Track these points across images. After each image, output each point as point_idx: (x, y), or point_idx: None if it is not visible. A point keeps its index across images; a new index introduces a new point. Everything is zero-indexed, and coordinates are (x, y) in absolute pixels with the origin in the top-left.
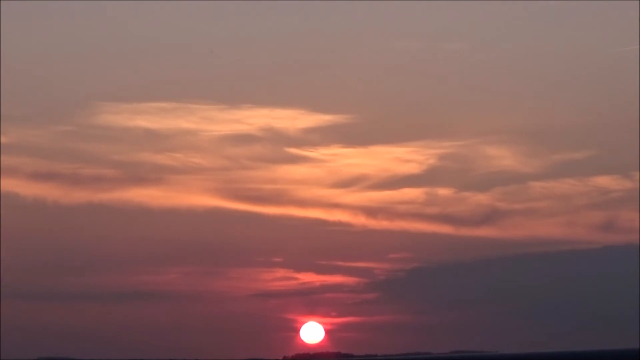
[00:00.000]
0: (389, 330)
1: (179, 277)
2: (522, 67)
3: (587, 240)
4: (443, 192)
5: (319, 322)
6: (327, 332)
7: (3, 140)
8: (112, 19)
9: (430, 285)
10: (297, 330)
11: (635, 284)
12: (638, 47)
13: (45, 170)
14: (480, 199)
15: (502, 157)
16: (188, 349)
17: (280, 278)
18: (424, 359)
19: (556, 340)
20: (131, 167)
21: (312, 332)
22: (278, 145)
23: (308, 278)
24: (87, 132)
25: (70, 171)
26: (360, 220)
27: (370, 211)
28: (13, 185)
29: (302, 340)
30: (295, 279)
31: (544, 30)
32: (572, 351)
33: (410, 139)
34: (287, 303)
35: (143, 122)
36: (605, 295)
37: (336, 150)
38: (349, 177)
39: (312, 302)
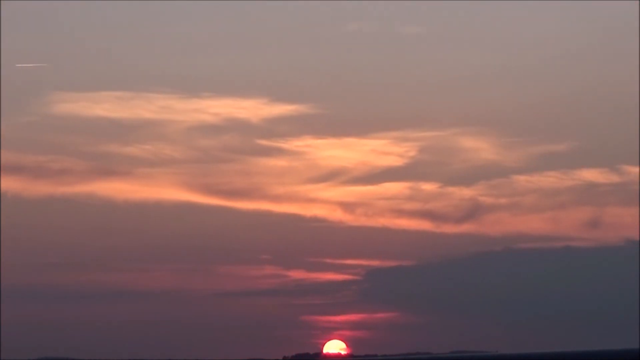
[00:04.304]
0: (384, 329)
1: (165, 275)
2: (495, 55)
3: (575, 237)
4: (426, 186)
5: (316, 321)
6: (325, 330)
7: None
8: (63, 7)
9: (421, 283)
10: (296, 329)
11: (627, 282)
12: (637, 45)
13: (6, 162)
14: (465, 193)
15: (480, 149)
16: (186, 350)
17: (270, 276)
18: (424, 359)
19: (545, 339)
20: (97, 158)
21: (334, 349)
22: (247, 137)
23: (299, 275)
24: (46, 123)
25: (33, 164)
26: (344, 216)
27: (351, 207)
28: None
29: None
30: (286, 276)
31: (517, 13)
32: (562, 351)
33: (382, 130)
34: (281, 301)
35: (102, 111)
36: (595, 293)
37: (308, 141)
38: (327, 170)
39: (306, 300)
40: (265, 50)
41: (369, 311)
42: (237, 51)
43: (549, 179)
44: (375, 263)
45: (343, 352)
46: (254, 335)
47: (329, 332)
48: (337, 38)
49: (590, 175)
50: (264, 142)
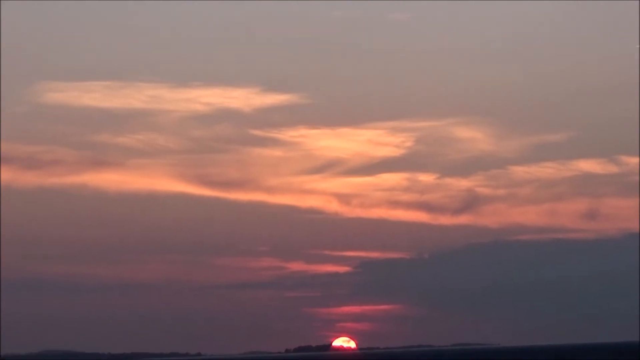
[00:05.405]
0: (385, 321)
1: (161, 267)
2: (491, 45)
3: (572, 228)
4: (423, 177)
5: (317, 313)
6: (326, 322)
7: None
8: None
9: (419, 275)
10: (298, 321)
11: (625, 273)
12: (636, 36)
13: None
14: (462, 184)
15: (476, 139)
16: (188, 342)
17: (269, 267)
18: (424, 352)
19: (542, 330)
20: (88, 149)
21: (340, 343)
22: (240, 127)
23: (298, 267)
24: (36, 113)
25: (23, 154)
26: (340, 208)
27: (347, 198)
28: None
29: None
30: (285, 268)
31: (515, 4)
32: (561, 344)
33: (377, 120)
34: (281, 293)
35: (91, 101)
36: (593, 284)
37: (303, 131)
38: (322, 161)
39: (306, 292)
40: (255, 38)
41: (369, 303)
42: (226, 40)
43: (546, 170)
44: (373, 255)
45: (345, 345)
46: (256, 328)
47: (331, 325)
48: (327, 26)
49: (588, 165)
50: (258, 133)
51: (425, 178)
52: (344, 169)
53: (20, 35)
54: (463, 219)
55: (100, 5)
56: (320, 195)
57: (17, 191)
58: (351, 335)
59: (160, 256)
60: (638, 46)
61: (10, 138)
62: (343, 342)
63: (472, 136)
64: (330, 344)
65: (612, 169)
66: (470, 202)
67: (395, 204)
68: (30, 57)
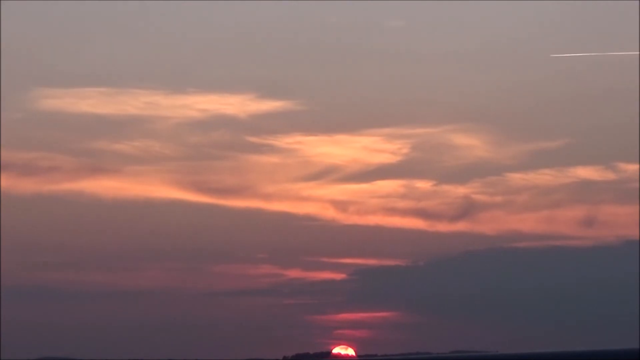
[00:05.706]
0: (382, 328)
1: (159, 274)
2: (488, 51)
3: (570, 235)
4: (420, 184)
5: (315, 320)
6: (325, 330)
7: None
8: (47, 4)
9: (416, 283)
10: (296, 329)
11: (623, 281)
12: (636, 42)
13: None
14: (459, 191)
15: (473, 146)
16: (185, 349)
17: (267, 275)
18: (424, 359)
19: (539, 337)
20: (85, 155)
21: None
22: (236, 134)
23: (296, 274)
24: (32, 119)
25: (20, 161)
26: (337, 215)
27: (343, 205)
28: None
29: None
30: (283, 275)
31: (511, 11)
32: (560, 351)
33: (373, 126)
34: (279, 300)
35: (87, 107)
36: (591, 292)
37: (299, 138)
38: (318, 168)
39: (304, 299)
40: (250, 44)
41: (366, 310)
42: (221, 46)
43: (544, 177)
44: (369, 262)
45: (343, 352)
46: (255, 335)
47: (328, 332)
48: (323, 32)
49: (586, 172)
50: (254, 139)
51: (422, 185)
52: (340, 175)
53: (16, 42)
54: (460, 226)
55: (96, 11)
56: (317, 202)
57: (15, 198)
58: (349, 342)
59: (158, 263)
60: (637, 51)
61: (7, 145)
62: (341, 349)
63: (469, 143)
64: (330, 352)
65: (610, 175)
66: (467, 209)
67: (392, 210)
68: (26, 63)
